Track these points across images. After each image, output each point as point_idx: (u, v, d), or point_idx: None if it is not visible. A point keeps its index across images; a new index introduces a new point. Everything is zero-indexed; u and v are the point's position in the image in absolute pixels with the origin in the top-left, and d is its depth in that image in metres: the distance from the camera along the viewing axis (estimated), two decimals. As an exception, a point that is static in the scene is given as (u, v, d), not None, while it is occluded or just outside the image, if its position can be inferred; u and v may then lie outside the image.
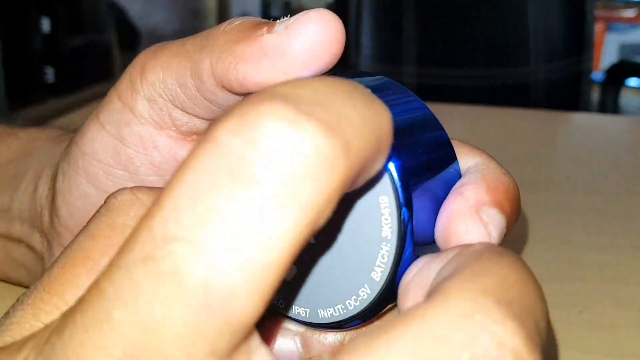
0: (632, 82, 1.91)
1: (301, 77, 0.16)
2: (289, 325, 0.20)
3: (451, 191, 0.18)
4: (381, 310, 0.18)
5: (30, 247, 0.26)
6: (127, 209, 0.15)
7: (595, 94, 1.55)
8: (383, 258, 0.17)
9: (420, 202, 0.17)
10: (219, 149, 0.11)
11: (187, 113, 0.21)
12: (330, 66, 0.17)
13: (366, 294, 0.18)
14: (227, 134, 0.11)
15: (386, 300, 0.18)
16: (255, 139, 0.11)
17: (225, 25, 0.19)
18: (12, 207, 0.26)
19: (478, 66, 0.98)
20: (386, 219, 0.17)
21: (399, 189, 0.16)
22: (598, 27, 1.90)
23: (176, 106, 0.21)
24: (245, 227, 0.11)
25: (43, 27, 1.20)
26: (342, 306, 0.18)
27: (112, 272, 0.12)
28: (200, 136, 0.16)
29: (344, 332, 0.20)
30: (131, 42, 1.60)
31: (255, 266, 0.11)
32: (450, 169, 0.18)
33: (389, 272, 0.17)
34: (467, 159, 0.19)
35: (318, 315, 0.19)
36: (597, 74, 1.78)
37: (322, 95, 0.12)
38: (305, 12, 0.17)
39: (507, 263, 0.13)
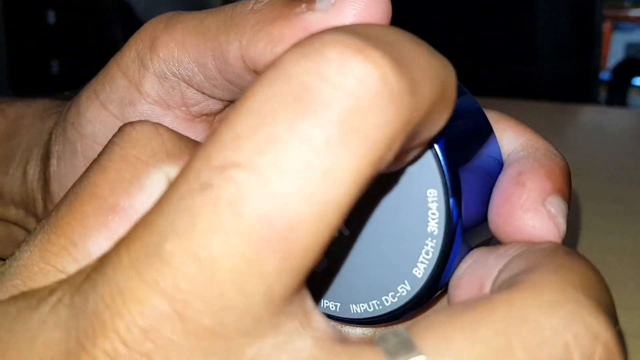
0: (639, 81, 1.90)
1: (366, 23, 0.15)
2: None
3: (506, 179, 0.16)
4: (419, 308, 0.17)
5: (28, 231, 0.25)
6: (145, 141, 0.14)
7: (602, 94, 1.54)
8: (427, 254, 0.16)
9: (466, 189, 0.16)
10: (282, 77, 0.11)
11: (202, 93, 0.19)
12: None
13: (405, 291, 0.16)
14: (291, 61, 0.11)
15: (427, 297, 0.16)
16: (320, 65, 0.11)
17: (253, 3, 0.18)
18: (3, 192, 0.25)
19: (486, 64, 0.97)
20: (433, 214, 0.16)
21: (448, 182, 0.15)
22: (605, 27, 1.89)
23: (191, 85, 0.19)
24: (307, 158, 0.10)
25: (48, 20, 1.19)
26: (378, 302, 0.17)
27: (163, 203, 0.11)
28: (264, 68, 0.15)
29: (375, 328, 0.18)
30: (136, 36, 1.59)
31: (317, 199, 0.10)
32: (492, 150, 0.17)
33: (433, 270, 0.16)
34: (510, 138, 0.18)
35: (350, 310, 0.17)
36: (604, 73, 1.78)
37: (390, 36, 0.12)
38: None
39: (584, 263, 0.13)
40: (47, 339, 0.11)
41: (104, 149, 0.14)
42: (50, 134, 0.23)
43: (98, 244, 0.13)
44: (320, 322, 0.12)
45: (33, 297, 0.12)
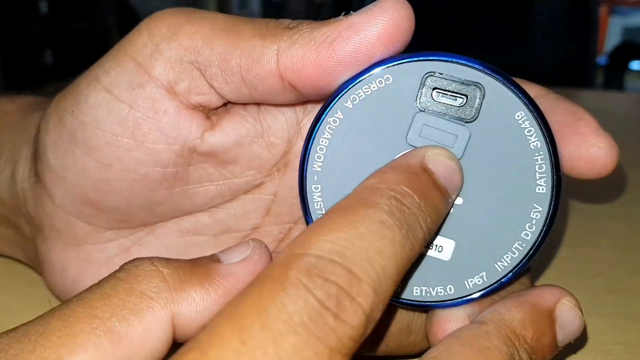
0: (635, 65, 1.89)
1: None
2: None
3: (565, 116, 0.20)
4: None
5: (18, 230, 0.25)
6: (149, 278, 0.16)
7: (599, 78, 1.53)
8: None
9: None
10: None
11: (211, 86, 0.20)
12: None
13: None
14: None
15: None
16: None
17: (288, 23, 0.20)
18: None
19: (483, 50, 0.96)
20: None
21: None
22: (601, 11, 1.88)
23: (203, 75, 0.20)
24: None
25: (41, 9, 1.18)
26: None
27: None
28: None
29: None
30: (131, 25, 1.58)
31: None
32: None
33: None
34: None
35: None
36: (601, 58, 1.77)
37: None
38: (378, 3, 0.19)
39: None
40: None
41: (104, 280, 0.16)
42: (38, 130, 0.23)
43: None
44: None
45: None
